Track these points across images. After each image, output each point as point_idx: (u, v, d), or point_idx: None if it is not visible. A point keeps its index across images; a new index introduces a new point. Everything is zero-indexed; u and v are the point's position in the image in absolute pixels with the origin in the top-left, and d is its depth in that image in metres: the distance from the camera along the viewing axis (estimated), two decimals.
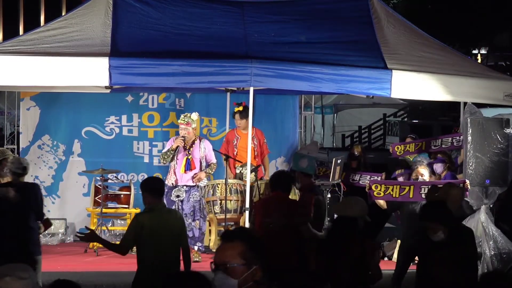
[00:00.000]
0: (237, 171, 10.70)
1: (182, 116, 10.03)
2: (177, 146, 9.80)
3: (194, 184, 9.87)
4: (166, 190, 9.78)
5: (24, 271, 4.17)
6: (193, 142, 9.92)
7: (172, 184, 9.80)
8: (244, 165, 10.27)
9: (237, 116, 10.70)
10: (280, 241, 6.89)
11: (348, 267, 5.94)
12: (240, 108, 10.64)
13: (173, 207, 9.71)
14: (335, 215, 6.57)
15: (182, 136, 9.82)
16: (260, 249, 3.81)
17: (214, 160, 10.03)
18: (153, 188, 6.76)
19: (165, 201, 9.69)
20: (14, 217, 7.22)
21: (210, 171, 10.05)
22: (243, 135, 10.59)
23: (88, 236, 6.82)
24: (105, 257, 10.07)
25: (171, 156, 9.81)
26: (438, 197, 7.04)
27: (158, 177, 7.12)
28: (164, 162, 9.91)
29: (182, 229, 6.84)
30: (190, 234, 9.92)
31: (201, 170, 9.92)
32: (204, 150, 9.94)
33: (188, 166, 9.80)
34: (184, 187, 9.82)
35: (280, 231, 6.89)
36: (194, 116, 9.97)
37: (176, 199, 9.75)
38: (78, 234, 6.73)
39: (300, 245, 7.02)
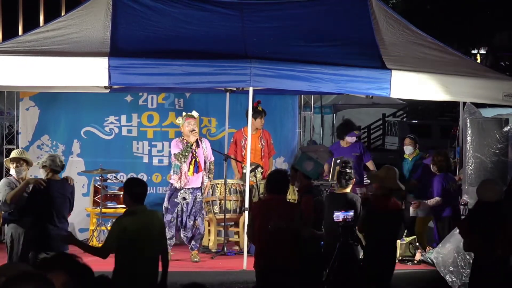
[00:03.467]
0: (244, 171, 10.65)
1: (184, 114, 10.08)
2: (196, 140, 9.90)
3: (199, 186, 10.03)
4: (170, 192, 9.89)
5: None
6: (196, 143, 9.99)
7: (180, 187, 9.87)
8: (252, 164, 10.32)
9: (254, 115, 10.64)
10: (281, 243, 6.88)
11: (501, 244, 6.82)
12: (260, 108, 10.62)
13: (178, 207, 9.79)
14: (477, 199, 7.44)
15: (193, 130, 9.87)
16: (86, 276, 3.48)
17: (212, 158, 10.16)
18: (135, 192, 6.63)
19: (168, 203, 9.81)
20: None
21: (212, 175, 10.24)
22: (251, 135, 10.52)
23: (65, 238, 6.76)
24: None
25: (191, 151, 9.86)
26: (377, 176, 7.97)
27: (142, 180, 7.05)
28: (185, 160, 9.89)
29: (163, 230, 6.79)
30: (189, 234, 9.99)
31: (204, 169, 10.05)
32: (206, 150, 10.05)
33: (196, 169, 9.93)
34: (190, 189, 9.91)
35: (281, 233, 6.88)
36: (195, 113, 10.07)
37: (183, 201, 9.84)
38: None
39: (301, 247, 7.01)
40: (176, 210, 9.86)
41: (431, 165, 10.44)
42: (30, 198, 7.86)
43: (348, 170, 8.06)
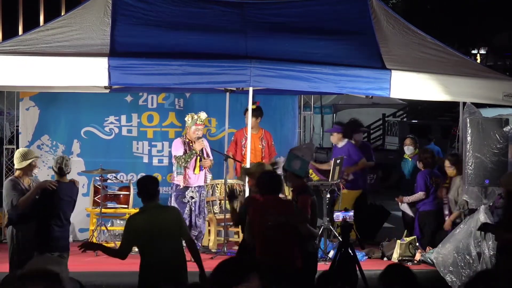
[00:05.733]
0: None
1: (194, 117, 10.02)
2: (201, 148, 9.89)
3: (203, 184, 10.03)
4: (176, 193, 9.89)
5: (55, 264, 4.10)
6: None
7: (184, 186, 9.88)
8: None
9: (248, 114, 10.62)
10: (282, 241, 6.88)
11: None
12: (254, 107, 10.63)
13: (186, 208, 9.79)
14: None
15: (199, 138, 9.87)
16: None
17: (211, 157, 10.13)
18: (145, 189, 6.73)
19: (175, 203, 9.82)
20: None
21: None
22: (251, 135, 10.50)
23: (87, 244, 6.90)
24: (105, 257, 10.03)
25: (193, 158, 9.87)
26: (251, 173, 7.88)
27: (152, 177, 7.10)
28: (185, 165, 9.88)
29: (180, 223, 6.75)
30: (195, 233, 10.00)
31: None
32: (206, 148, 10.07)
33: (201, 167, 9.90)
34: (196, 187, 9.92)
35: (281, 230, 6.88)
36: (203, 115, 10.07)
37: (191, 200, 9.85)
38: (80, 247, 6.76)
39: (302, 245, 7.00)
40: (185, 210, 9.87)
41: (417, 162, 10.79)
42: (39, 201, 7.79)
43: (279, 172, 8.05)
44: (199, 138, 9.89)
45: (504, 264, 7.57)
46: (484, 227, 8.20)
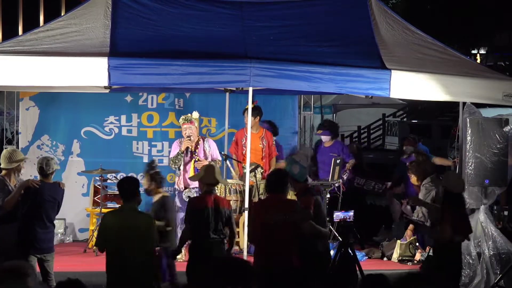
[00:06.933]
0: (244, 171, 10.65)
1: (182, 117, 10.07)
2: (187, 147, 9.85)
3: None
4: (176, 192, 9.91)
5: (24, 269, 4.14)
6: (197, 143, 9.99)
7: (181, 188, 9.89)
8: (252, 164, 10.32)
9: (246, 113, 10.63)
10: (281, 240, 6.88)
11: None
12: (252, 106, 10.60)
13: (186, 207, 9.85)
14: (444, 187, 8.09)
15: (188, 136, 9.86)
16: None
17: (219, 157, 10.13)
18: (121, 190, 6.84)
19: (178, 202, 9.83)
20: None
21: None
22: (252, 134, 10.50)
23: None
24: (104, 257, 10.06)
25: (182, 159, 9.86)
26: (197, 175, 8.14)
27: (131, 177, 7.14)
28: (176, 167, 9.92)
29: (149, 232, 6.75)
30: None
31: None
32: (209, 149, 10.04)
33: (197, 170, 9.87)
34: (195, 188, 9.92)
35: (281, 229, 6.88)
36: (195, 114, 10.05)
37: (187, 200, 9.87)
38: None
39: (302, 245, 7.00)
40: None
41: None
42: (22, 200, 7.74)
43: (157, 169, 8.18)
44: (188, 137, 9.90)
45: (435, 261, 7.74)
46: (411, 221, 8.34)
